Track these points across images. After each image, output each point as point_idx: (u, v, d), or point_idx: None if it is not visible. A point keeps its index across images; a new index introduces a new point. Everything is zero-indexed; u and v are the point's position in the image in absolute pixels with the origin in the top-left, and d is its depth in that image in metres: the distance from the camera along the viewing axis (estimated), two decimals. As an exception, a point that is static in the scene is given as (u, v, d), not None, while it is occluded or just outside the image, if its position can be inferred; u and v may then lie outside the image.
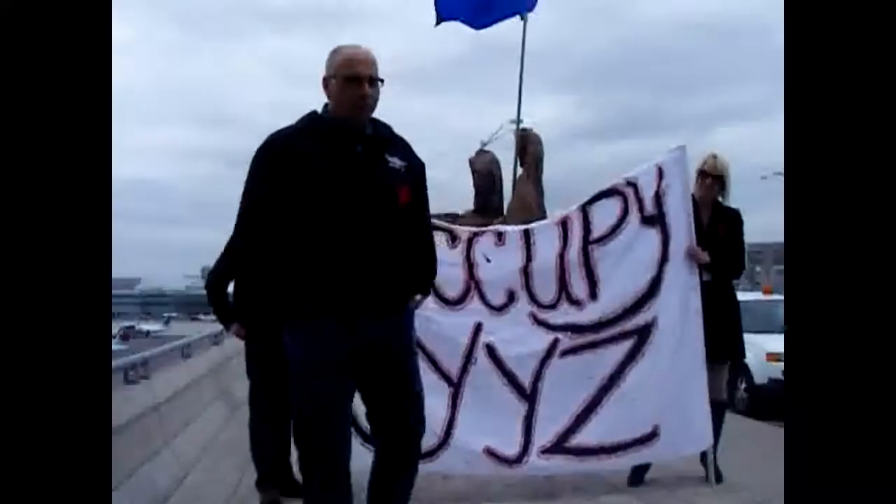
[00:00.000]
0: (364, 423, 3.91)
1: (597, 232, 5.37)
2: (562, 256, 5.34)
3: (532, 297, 5.31)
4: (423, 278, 3.61)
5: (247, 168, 3.38)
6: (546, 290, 5.33)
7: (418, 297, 3.58)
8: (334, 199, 3.25)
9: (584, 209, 5.40)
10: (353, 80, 3.31)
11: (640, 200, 5.38)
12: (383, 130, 3.47)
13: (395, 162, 3.39)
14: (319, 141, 3.32)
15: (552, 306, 5.30)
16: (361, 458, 3.78)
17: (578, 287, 5.32)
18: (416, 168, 3.49)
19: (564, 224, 5.40)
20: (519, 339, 5.27)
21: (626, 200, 5.39)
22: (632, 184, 5.41)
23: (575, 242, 5.35)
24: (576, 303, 5.32)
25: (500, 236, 5.38)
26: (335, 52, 3.41)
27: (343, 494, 3.41)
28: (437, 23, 9.36)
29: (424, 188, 3.55)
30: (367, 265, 3.28)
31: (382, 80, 3.40)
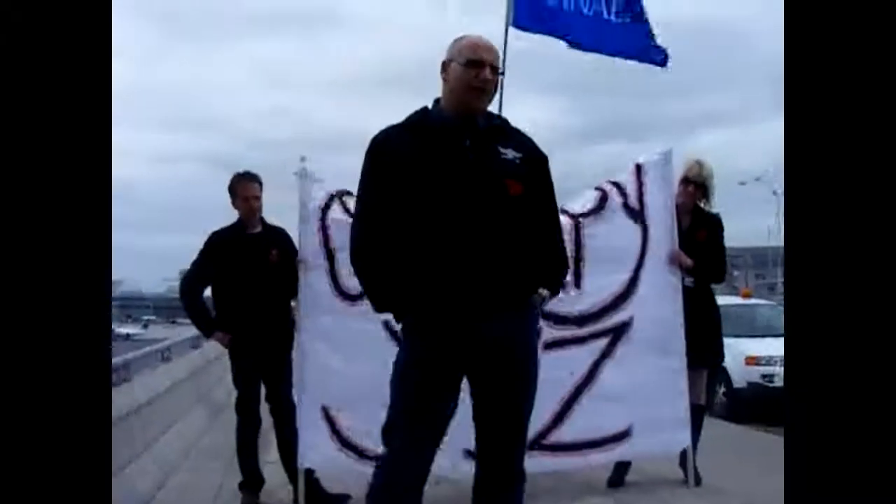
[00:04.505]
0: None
1: (581, 209, 5.30)
2: None
3: None
4: (548, 273, 3.37)
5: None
6: None
7: (544, 292, 3.36)
8: (438, 196, 3.11)
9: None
10: (475, 63, 3.19)
11: (621, 192, 5.36)
12: (497, 122, 3.35)
13: (508, 153, 3.21)
14: (425, 137, 3.20)
15: None
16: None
17: None
18: (533, 160, 3.30)
19: None
20: None
21: (605, 192, 5.37)
22: (612, 182, 5.42)
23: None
24: None
25: None
26: (458, 38, 3.30)
27: None
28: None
29: (545, 180, 3.37)
30: (474, 262, 3.10)
31: (503, 73, 3.29)
